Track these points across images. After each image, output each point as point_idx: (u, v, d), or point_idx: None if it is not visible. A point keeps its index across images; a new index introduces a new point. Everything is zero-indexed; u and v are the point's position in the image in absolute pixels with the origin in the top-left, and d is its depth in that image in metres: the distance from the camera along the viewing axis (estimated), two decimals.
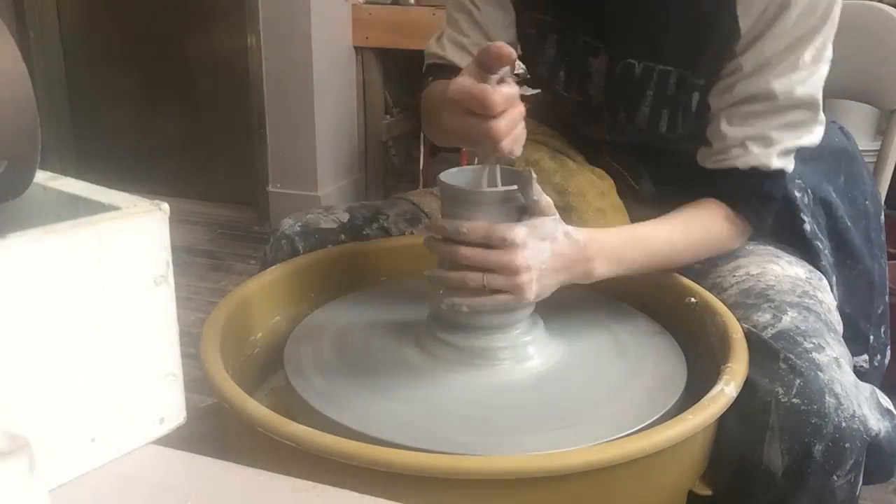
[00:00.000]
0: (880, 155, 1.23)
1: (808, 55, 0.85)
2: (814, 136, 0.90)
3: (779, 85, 0.86)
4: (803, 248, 0.98)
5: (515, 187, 0.76)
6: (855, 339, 1.00)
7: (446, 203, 0.78)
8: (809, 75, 0.86)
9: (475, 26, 1.01)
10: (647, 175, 1.04)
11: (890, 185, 1.24)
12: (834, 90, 1.32)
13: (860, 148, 1.12)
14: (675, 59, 0.91)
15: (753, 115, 0.88)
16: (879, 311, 1.05)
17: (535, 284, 0.75)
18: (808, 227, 0.97)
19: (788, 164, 0.90)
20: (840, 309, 0.97)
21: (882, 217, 1.10)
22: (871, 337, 1.03)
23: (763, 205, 0.91)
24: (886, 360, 1.06)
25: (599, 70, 0.97)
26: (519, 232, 0.73)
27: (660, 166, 1.03)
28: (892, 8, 1.20)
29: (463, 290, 0.75)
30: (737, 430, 0.74)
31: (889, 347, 1.06)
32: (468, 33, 1.01)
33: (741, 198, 0.90)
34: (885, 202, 1.25)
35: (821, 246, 0.97)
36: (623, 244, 0.84)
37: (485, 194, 0.76)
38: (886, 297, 1.06)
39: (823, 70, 0.88)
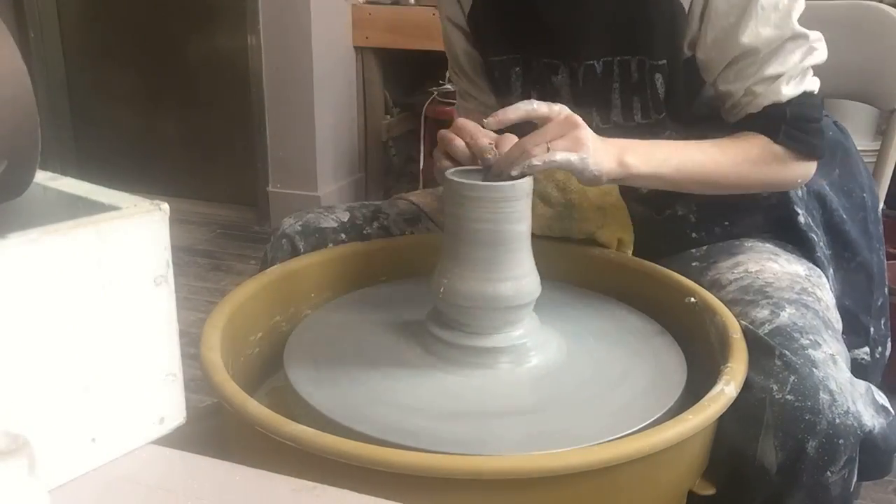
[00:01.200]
0: (880, 155, 1.23)
1: (762, 1, 0.87)
2: (819, 53, 0.91)
3: (746, 38, 0.88)
4: (798, 241, 0.98)
5: (520, 181, 0.77)
6: (855, 331, 1.00)
7: (452, 199, 0.78)
8: (770, 13, 0.88)
9: (472, 96, 1.14)
10: None
11: (890, 185, 1.24)
12: (834, 90, 1.32)
13: (860, 148, 1.12)
14: (629, 47, 0.94)
15: (744, 70, 0.90)
16: (879, 304, 1.05)
17: (591, 145, 0.80)
18: (801, 219, 0.97)
19: (807, 86, 0.91)
20: (839, 302, 0.97)
21: (880, 209, 1.09)
22: (872, 329, 1.03)
23: (797, 128, 0.90)
24: (887, 353, 1.06)
25: (564, 83, 1.00)
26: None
27: None
28: (891, 8, 1.20)
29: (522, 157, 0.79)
30: (732, 427, 0.74)
31: (890, 339, 1.06)
32: (471, 107, 1.13)
33: (770, 131, 0.91)
34: (886, 202, 1.25)
35: (815, 238, 0.97)
36: (652, 144, 0.88)
37: (491, 188, 0.76)
38: (886, 290, 1.06)
39: (782, 4, 0.88)
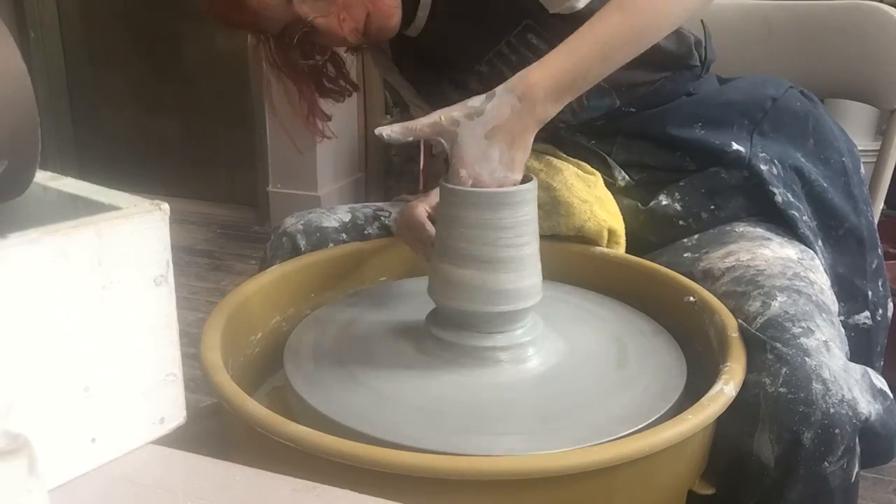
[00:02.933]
0: (880, 155, 1.23)
1: None
2: None
3: None
4: (778, 220, 0.98)
5: (517, 188, 0.76)
6: (853, 297, 1.00)
7: (446, 205, 0.78)
8: None
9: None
10: (619, 167, 1.05)
11: (890, 185, 1.24)
12: (834, 90, 1.32)
13: (860, 148, 1.12)
14: (489, 42, 0.99)
15: None
16: (874, 266, 1.04)
17: (507, 171, 0.77)
18: (779, 198, 0.97)
19: None
20: (833, 270, 0.97)
21: (862, 170, 1.08)
22: (870, 292, 1.02)
23: None
24: (889, 314, 1.05)
25: (476, 90, 1.01)
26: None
27: (626, 154, 1.04)
28: (891, 8, 1.20)
29: None
30: (729, 424, 0.74)
31: (890, 300, 1.05)
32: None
33: None
34: (886, 202, 1.25)
35: (797, 214, 0.97)
36: (560, 69, 0.79)
37: (485, 194, 0.76)
38: (879, 251, 1.05)
39: None
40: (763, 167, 0.98)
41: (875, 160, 1.24)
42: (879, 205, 1.22)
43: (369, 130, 2.98)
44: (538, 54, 0.94)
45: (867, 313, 1.01)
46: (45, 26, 3.23)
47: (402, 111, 2.99)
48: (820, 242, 0.98)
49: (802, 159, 1.01)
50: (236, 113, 3.03)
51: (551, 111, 0.79)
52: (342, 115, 2.93)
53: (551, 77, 0.78)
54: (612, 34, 0.81)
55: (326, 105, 1.15)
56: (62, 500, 0.50)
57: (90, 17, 3.26)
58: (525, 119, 0.77)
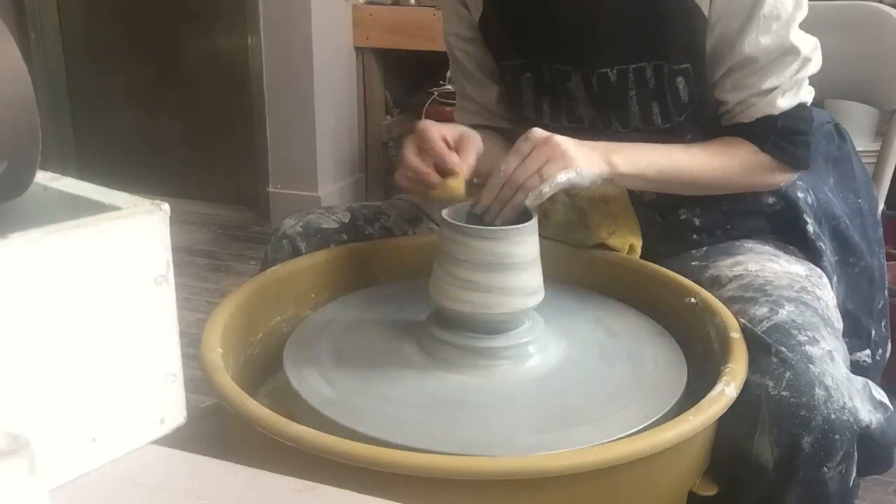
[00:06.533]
0: (880, 155, 1.23)
1: (765, 9, 0.88)
2: (813, 64, 0.92)
3: (747, 47, 0.89)
4: (805, 249, 0.98)
5: (517, 226, 0.78)
6: (857, 334, 1.01)
7: (445, 237, 0.78)
8: (772, 23, 0.88)
9: (473, 101, 1.12)
10: None
11: (890, 185, 1.24)
12: (834, 90, 1.32)
13: (860, 149, 1.12)
14: (643, 53, 0.94)
15: (742, 81, 0.92)
16: (880, 306, 1.06)
17: (579, 157, 0.83)
18: (810, 227, 0.98)
19: (801, 97, 0.92)
20: (842, 306, 0.98)
21: (879, 212, 1.10)
22: (873, 332, 1.04)
23: (786, 139, 0.92)
24: (887, 355, 1.07)
25: (579, 89, 1.00)
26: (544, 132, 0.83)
27: None
28: (891, 8, 1.20)
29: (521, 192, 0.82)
30: (729, 425, 0.74)
31: (889, 341, 1.07)
32: (472, 109, 1.13)
33: (758, 141, 0.92)
34: (886, 202, 1.25)
35: (823, 247, 0.98)
36: (639, 147, 0.90)
37: (485, 231, 0.77)
38: (885, 293, 1.07)
39: (785, 14, 0.89)
40: (800, 195, 0.99)
41: (875, 160, 1.24)
42: (880, 205, 1.22)
43: (369, 130, 2.97)
44: (666, 102, 0.95)
45: (868, 352, 1.02)
46: (45, 27, 3.23)
47: (402, 112, 2.99)
48: (835, 278, 0.99)
49: (829, 194, 1.03)
50: (236, 113, 3.03)
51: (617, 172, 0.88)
52: (342, 114, 2.93)
53: (634, 161, 0.88)
54: (689, 173, 0.92)
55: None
56: (62, 500, 0.50)
57: (90, 17, 3.26)
58: (600, 156, 0.87)
